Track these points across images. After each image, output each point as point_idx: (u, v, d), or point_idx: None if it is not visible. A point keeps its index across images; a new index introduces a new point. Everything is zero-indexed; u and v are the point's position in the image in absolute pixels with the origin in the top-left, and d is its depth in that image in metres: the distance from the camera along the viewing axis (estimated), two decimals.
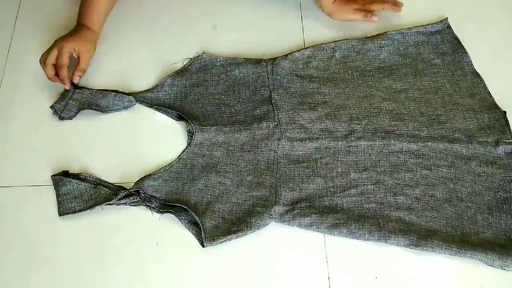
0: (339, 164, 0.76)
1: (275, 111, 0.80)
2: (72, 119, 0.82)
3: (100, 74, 0.87)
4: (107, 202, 0.73)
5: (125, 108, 0.83)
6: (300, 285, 0.70)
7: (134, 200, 0.74)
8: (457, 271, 0.70)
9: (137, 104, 0.83)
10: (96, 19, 0.85)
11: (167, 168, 0.77)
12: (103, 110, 0.82)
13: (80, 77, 0.83)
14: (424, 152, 0.76)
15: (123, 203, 0.74)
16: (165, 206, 0.75)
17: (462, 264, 0.70)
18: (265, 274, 0.71)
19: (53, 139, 0.81)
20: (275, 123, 0.79)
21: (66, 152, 0.80)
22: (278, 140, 0.78)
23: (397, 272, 0.70)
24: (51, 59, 0.80)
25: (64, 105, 0.82)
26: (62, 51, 0.80)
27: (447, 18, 0.88)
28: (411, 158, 0.76)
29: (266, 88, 0.83)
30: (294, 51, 0.86)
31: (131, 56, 0.89)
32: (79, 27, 0.85)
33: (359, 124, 0.78)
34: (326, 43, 0.86)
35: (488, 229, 0.71)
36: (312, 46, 0.86)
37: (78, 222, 0.74)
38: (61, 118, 0.82)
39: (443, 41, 0.86)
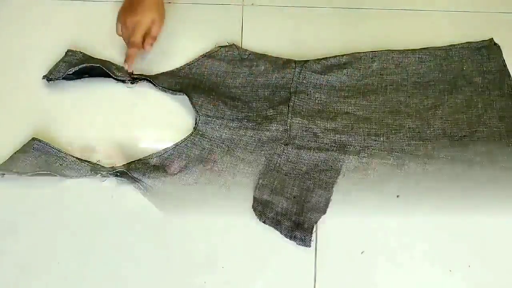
0: (344, 180, 0.73)
1: (290, 115, 0.77)
2: (59, 79, 0.79)
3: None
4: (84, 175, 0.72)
5: (120, 80, 0.80)
6: (286, 261, 0.69)
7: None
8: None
9: (137, 87, 0.81)
10: None
11: (159, 155, 0.74)
12: (93, 75, 0.80)
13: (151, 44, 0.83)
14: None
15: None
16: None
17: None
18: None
19: (41, 110, 0.80)
20: (286, 128, 0.76)
21: (57, 128, 0.78)
22: (285, 145, 0.75)
23: (384, 246, 0.69)
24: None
25: (54, 67, 0.80)
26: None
27: (492, 38, 0.85)
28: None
29: (287, 90, 0.80)
30: (328, 57, 0.83)
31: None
32: None
33: (376, 140, 0.76)
34: (365, 52, 0.84)
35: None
36: (349, 54, 0.84)
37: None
38: (49, 79, 0.79)
39: (489, 59, 0.83)
